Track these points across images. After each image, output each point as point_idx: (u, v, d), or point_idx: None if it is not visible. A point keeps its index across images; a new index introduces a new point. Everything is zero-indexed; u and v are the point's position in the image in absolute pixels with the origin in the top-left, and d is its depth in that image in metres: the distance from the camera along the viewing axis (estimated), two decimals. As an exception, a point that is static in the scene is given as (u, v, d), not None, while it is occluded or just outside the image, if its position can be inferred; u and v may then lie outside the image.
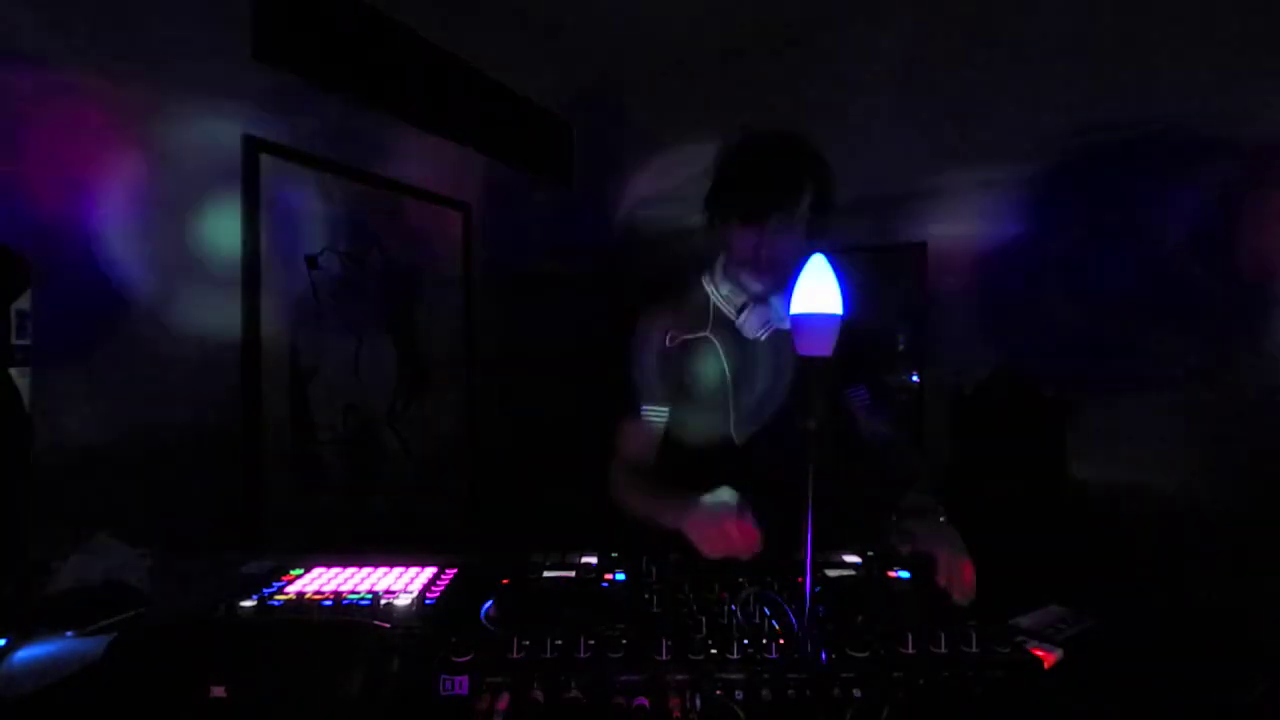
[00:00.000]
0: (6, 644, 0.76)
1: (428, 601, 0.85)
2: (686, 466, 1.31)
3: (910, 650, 0.69)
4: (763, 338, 1.24)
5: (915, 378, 2.82)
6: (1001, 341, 2.58)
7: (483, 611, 0.80)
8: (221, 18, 1.85)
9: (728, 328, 1.26)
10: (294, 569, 0.96)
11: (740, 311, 1.24)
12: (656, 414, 1.28)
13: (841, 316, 0.77)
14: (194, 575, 1.04)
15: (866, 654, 0.69)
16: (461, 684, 0.65)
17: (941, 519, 1.02)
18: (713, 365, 1.25)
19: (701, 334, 1.26)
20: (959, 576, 0.89)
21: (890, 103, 2.77)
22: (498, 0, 2.72)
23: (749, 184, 1.15)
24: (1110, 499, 2.30)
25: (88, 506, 1.49)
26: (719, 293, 1.28)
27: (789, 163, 1.15)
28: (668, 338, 1.27)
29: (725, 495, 0.99)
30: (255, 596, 0.84)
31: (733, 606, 0.79)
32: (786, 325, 1.21)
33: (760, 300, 1.23)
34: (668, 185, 3.19)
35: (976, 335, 2.64)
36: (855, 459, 1.31)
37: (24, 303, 1.21)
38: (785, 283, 1.22)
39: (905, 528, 1.01)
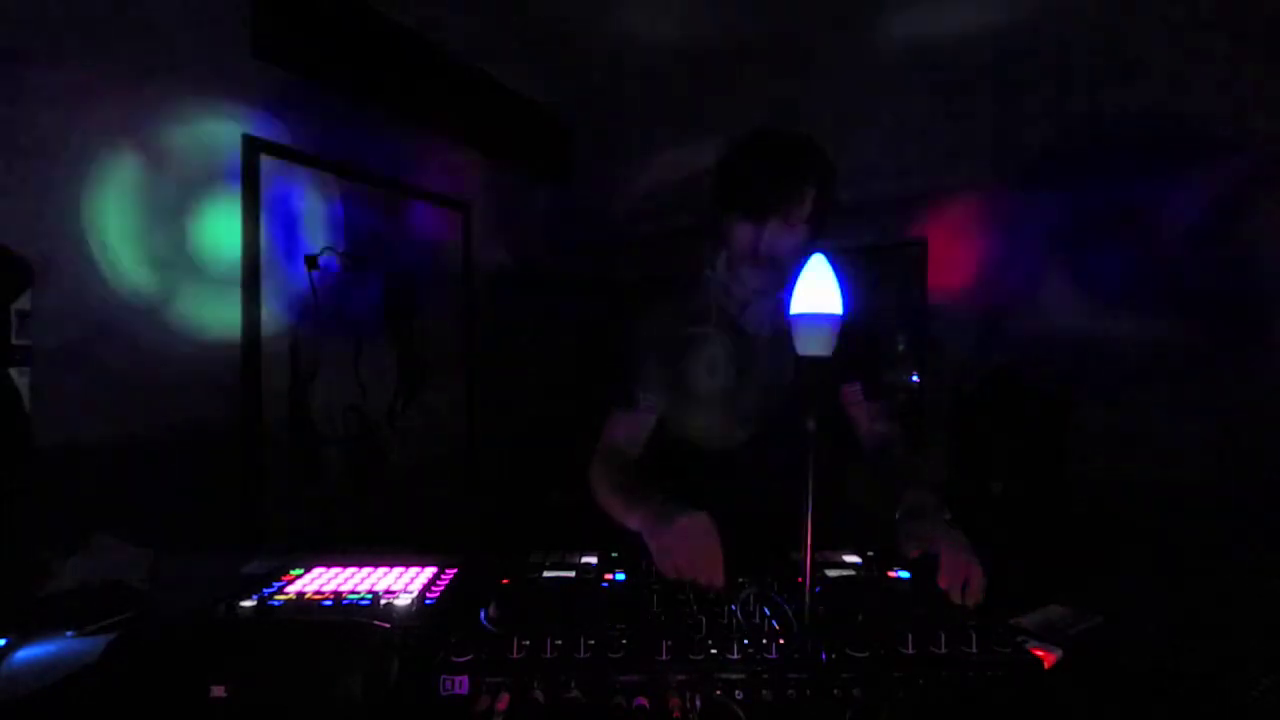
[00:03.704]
0: (6, 644, 0.76)
1: (428, 601, 0.85)
2: (687, 467, 1.30)
3: (910, 650, 0.70)
4: (764, 333, 1.24)
5: (915, 378, 2.82)
6: (1001, 341, 2.58)
7: (483, 611, 0.80)
8: (222, 17, 1.85)
9: (730, 323, 1.26)
10: (294, 569, 0.96)
11: (743, 308, 1.24)
12: (651, 402, 1.26)
13: (841, 316, 0.77)
14: (194, 575, 1.04)
15: (866, 654, 0.69)
16: (461, 684, 0.65)
17: (946, 517, 1.02)
18: (714, 359, 1.25)
19: (704, 328, 1.26)
20: (971, 580, 0.89)
21: (890, 103, 2.77)
22: (498, 1, 2.72)
23: (753, 181, 1.15)
24: (1110, 498, 2.30)
25: (88, 506, 1.49)
26: (722, 288, 1.28)
27: (794, 161, 1.15)
28: (670, 329, 1.27)
29: (702, 521, 0.93)
30: (255, 596, 0.84)
31: (733, 606, 0.79)
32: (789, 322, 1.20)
33: (762, 295, 1.23)
34: (669, 183, 3.19)
35: (976, 335, 2.64)
36: (855, 459, 1.30)
37: (24, 303, 1.21)
38: (786, 279, 1.22)
39: (910, 530, 1.00)
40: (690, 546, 0.90)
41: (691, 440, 1.31)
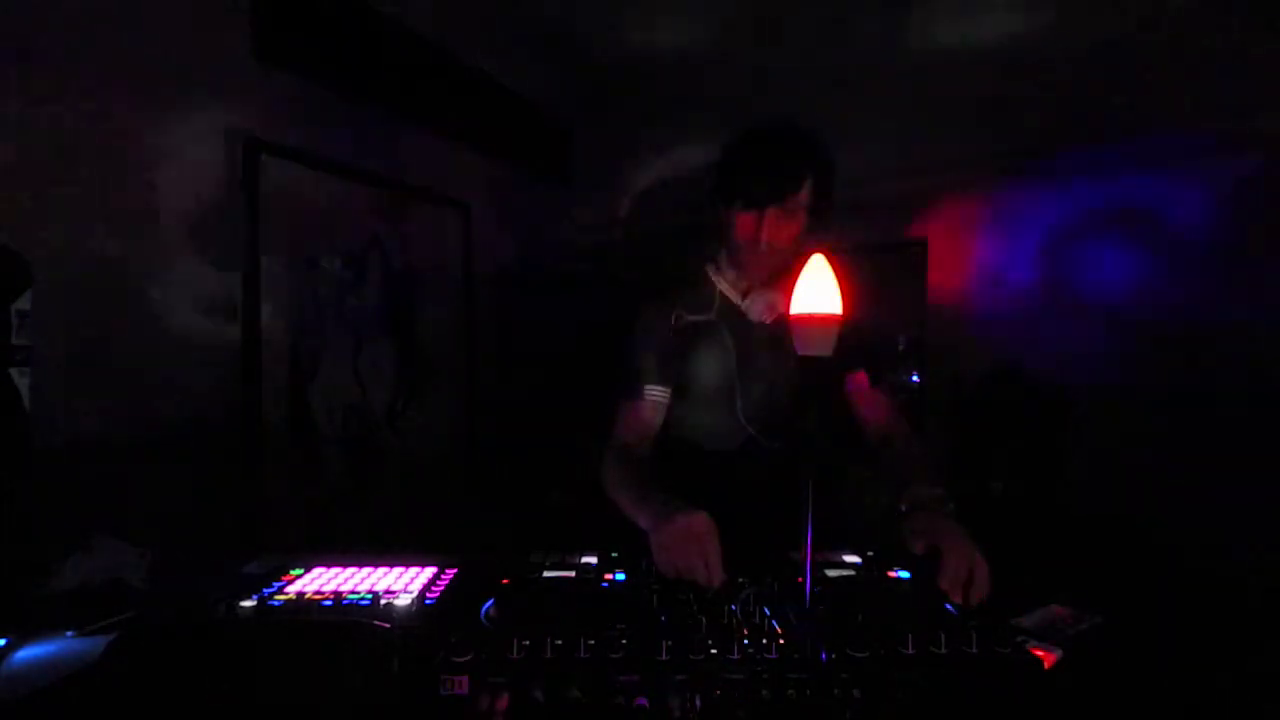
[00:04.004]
0: (6, 644, 0.76)
1: (428, 601, 0.85)
2: (692, 466, 1.30)
3: (910, 650, 0.70)
4: (767, 320, 1.24)
5: (915, 378, 2.82)
6: (1001, 341, 2.58)
7: (483, 611, 0.80)
8: (222, 17, 1.85)
9: (733, 313, 1.27)
10: (294, 569, 0.96)
11: (745, 297, 1.25)
12: (658, 394, 1.28)
13: (841, 317, 0.77)
14: (194, 575, 1.04)
15: (866, 654, 0.69)
16: (461, 684, 0.65)
17: (950, 508, 1.02)
18: (718, 349, 1.26)
19: (707, 317, 1.27)
20: (977, 574, 0.88)
21: (890, 102, 2.76)
22: (498, 1, 2.72)
23: (750, 170, 1.16)
24: (1111, 498, 2.30)
25: (87, 507, 1.49)
26: (724, 280, 1.29)
27: (790, 150, 1.17)
28: (674, 318, 1.28)
29: (700, 519, 0.94)
30: (255, 596, 0.84)
31: (733, 606, 0.79)
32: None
33: (765, 285, 1.23)
34: (668, 182, 3.20)
35: (976, 335, 2.64)
36: (857, 458, 1.30)
37: (24, 303, 1.21)
38: (787, 269, 1.23)
39: (914, 525, 1.00)
40: (688, 545, 0.90)
41: (693, 438, 1.31)
